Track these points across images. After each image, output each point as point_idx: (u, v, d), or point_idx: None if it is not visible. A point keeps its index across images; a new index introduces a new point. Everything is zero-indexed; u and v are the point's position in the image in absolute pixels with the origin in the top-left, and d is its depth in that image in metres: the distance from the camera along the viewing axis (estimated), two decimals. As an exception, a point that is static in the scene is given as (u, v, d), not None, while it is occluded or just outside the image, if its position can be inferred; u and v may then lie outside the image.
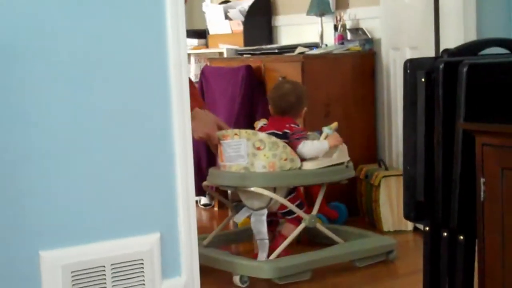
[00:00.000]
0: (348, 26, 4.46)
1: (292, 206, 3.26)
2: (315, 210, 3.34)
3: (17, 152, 2.56)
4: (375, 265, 3.32)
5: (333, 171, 3.32)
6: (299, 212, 3.28)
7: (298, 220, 3.33)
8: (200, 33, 5.56)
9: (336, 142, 3.32)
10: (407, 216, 2.17)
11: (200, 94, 3.51)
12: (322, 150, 3.29)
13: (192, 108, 3.12)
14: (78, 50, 2.65)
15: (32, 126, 2.58)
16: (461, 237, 2.02)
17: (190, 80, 3.32)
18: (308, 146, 3.27)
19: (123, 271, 2.72)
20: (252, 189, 3.18)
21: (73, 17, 2.63)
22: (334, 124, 3.41)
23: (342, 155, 3.35)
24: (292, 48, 4.46)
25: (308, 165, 3.25)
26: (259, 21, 4.99)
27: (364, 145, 4.25)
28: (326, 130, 3.35)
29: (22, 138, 2.56)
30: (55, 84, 2.61)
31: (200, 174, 3.66)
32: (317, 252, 3.28)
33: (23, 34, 2.54)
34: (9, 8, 2.52)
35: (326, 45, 4.53)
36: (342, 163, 3.34)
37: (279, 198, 3.20)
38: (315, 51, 4.33)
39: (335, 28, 4.52)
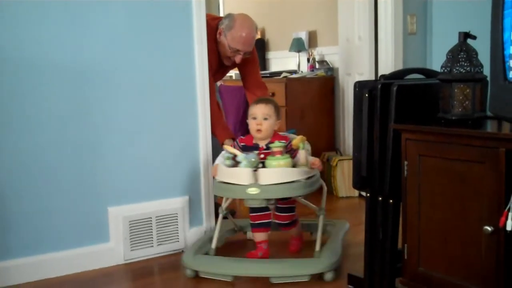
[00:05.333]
0: (316, 59, 4.44)
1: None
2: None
3: (95, 140, 2.56)
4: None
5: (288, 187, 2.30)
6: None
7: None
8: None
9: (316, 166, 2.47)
10: (354, 186, 2.16)
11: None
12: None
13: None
14: (135, 75, 2.64)
15: (103, 124, 2.58)
16: (391, 201, 2.02)
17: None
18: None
19: (164, 221, 2.73)
20: None
21: (132, 56, 2.63)
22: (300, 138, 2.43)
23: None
24: (279, 73, 4.44)
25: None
26: (257, 55, 4.97)
27: (326, 138, 4.23)
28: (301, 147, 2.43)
29: (99, 131, 2.56)
30: (120, 97, 2.61)
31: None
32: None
33: (99, 66, 2.55)
34: (89, 47, 2.52)
35: (302, 71, 4.51)
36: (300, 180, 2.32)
37: None
38: (294, 76, 4.31)
39: (308, 60, 4.51)
